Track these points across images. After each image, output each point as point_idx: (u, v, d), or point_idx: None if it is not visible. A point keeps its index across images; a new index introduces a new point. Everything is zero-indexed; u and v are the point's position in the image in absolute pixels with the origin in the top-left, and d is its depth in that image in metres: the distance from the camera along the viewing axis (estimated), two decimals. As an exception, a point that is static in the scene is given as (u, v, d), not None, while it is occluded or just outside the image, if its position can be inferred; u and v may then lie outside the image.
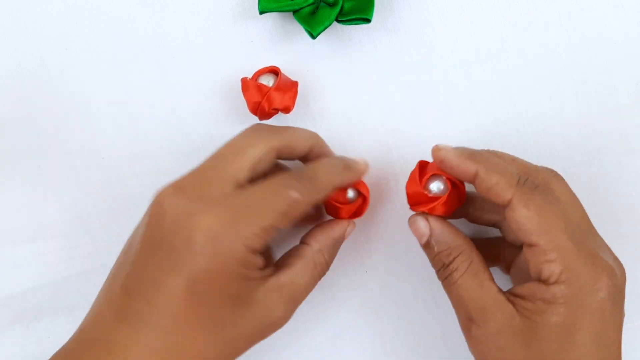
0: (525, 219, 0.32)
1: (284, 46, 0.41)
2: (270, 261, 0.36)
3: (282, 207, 0.32)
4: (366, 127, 0.41)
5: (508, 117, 0.41)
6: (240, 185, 0.32)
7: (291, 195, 0.32)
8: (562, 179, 0.35)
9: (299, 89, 0.40)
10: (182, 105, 0.41)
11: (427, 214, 0.36)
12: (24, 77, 0.41)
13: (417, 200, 0.36)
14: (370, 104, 0.41)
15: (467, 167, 0.34)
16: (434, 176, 0.36)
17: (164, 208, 0.32)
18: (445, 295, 0.35)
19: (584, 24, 0.41)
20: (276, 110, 0.39)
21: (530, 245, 0.32)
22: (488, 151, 0.36)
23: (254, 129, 0.35)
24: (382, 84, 0.41)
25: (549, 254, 0.32)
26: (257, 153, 0.33)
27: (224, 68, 0.41)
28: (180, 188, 0.33)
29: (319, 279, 0.36)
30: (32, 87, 0.41)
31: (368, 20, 0.39)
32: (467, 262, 0.34)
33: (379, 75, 0.41)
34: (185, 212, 0.31)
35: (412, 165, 0.37)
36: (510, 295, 0.34)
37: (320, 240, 0.36)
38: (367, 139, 0.41)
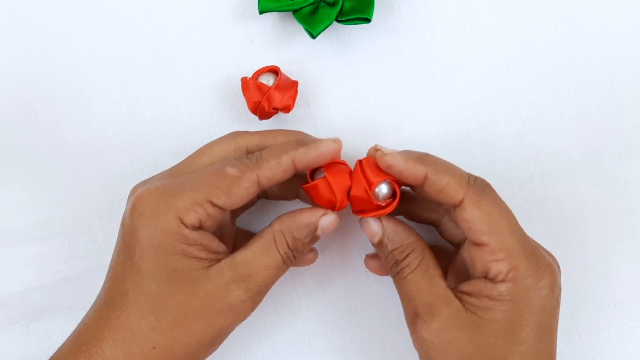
0: (476, 219, 0.32)
1: (284, 46, 0.41)
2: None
3: (216, 181, 0.32)
4: (366, 127, 0.41)
5: (508, 117, 0.41)
6: None
7: (227, 170, 0.33)
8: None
9: (299, 88, 0.40)
10: (182, 105, 0.41)
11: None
12: (24, 77, 0.41)
13: (363, 206, 0.35)
14: (370, 104, 0.41)
15: (416, 171, 0.33)
16: (382, 182, 0.35)
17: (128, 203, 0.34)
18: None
19: (584, 24, 0.41)
20: (276, 110, 0.39)
21: (479, 244, 0.33)
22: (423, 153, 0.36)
23: (228, 134, 0.37)
24: (382, 83, 0.41)
25: (498, 253, 0.32)
26: (223, 151, 0.35)
27: (224, 68, 0.41)
28: (146, 182, 0.35)
29: (284, 263, 0.35)
30: (32, 87, 0.41)
31: (368, 20, 0.39)
32: (419, 258, 0.34)
33: (379, 75, 0.41)
34: (131, 195, 0.34)
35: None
36: (456, 291, 0.34)
37: (282, 222, 0.35)
38: (367, 138, 0.41)
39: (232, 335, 0.42)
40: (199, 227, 0.33)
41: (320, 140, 0.35)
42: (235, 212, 0.39)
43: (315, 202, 0.36)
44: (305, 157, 0.34)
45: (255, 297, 0.34)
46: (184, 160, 0.36)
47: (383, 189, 0.34)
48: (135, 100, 0.41)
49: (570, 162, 0.41)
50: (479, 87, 0.41)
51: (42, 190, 0.41)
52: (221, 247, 0.34)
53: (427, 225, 0.39)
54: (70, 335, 0.34)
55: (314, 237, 0.35)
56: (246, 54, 0.41)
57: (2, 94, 0.41)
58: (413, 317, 0.34)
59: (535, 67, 0.41)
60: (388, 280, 0.41)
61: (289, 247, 0.34)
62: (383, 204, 0.35)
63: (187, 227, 0.32)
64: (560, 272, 0.34)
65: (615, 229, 0.41)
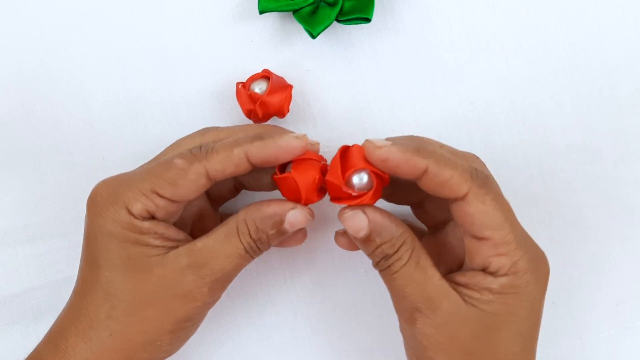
0: (481, 213, 0.31)
1: (284, 46, 0.41)
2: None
3: (163, 172, 0.32)
4: (366, 127, 0.41)
5: (508, 117, 0.41)
6: None
7: (175, 161, 0.32)
8: (483, 163, 0.35)
9: (299, 89, 0.40)
10: (182, 105, 0.41)
11: (363, 205, 0.33)
12: (24, 77, 0.41)
13: (338, 194, 0.33)
14: (370, 104, 0.41)
15: (415, 164, 0.31)
16: (360, 171, 0.33)
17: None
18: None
19: (584, 24, 0.41)
20: (270, 116, 0.39)
21: (481, 238, 0.32)
22: (411, 137, 0.35)
23: (198, 130, 0.36)
24: (382, 84, 0.41)
25: (501, 247, 0.32)
26: (190, 145, 0.35)
27: (224, 68, 0.41)
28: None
29: (247, 253, 0.33)
30: (32, 87, 0.41)
31: (368, 20, 0.39)
32: (410, 250, 0.32)
33: (379, 75, 0.41)
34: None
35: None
36: (450, 282, 0.33)
37: (248, 211, 0.33)
38: (367, 138, 0.41)
39: (233, 335, 0.42)
40: (151, 217, 0.33)
41: (280, 135, 0.33)
42: (217, 202, 0.38)
43: (284, 195, 0.35)
44: (260, 153, 0.32)
45: (214, 285, 0.33)
46: (156, 156, 0.36)
47: (363, 178, 0.33)
48: (135, 101, 0.41)
49: (570, 162, 0.41)
50: (479, 87, 0.41)
51: (42, 190, 0.41)
52: (180, 234, 0.34)
53: (403, 205, 0.38)
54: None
55: (281, 231, 0.34)
56: (246, 54, 0.41)
57: (2, 94, 0.41)
58: (412, 312, 0.32)
59: (536, 67, 0.41)
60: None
61: (251, 238, 0.33)
62: (356, 194, 0.33)
63: (135, 217, 0.32)
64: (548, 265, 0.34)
65: (615, 229, 0.41)
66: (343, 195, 0.33)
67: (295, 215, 0.33)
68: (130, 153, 0.41)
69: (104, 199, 0.33)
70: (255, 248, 0.34)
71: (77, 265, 0.42)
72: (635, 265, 0.41)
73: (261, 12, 0.39)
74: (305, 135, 0.34)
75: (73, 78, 0.41)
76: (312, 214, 0.34)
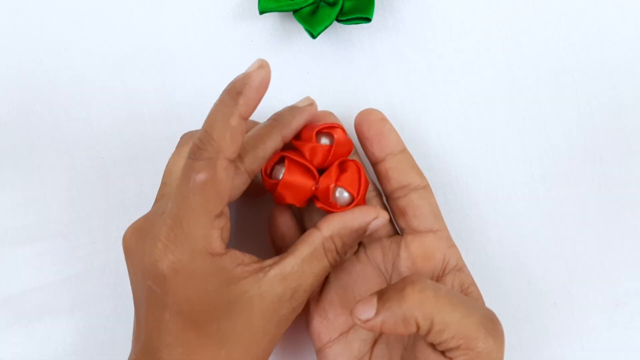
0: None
1: (284, 46, 0.41)
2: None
3: (201, 191, 0.30)
4: (366, 127, 0.41)
5: (509, 117, 0.41)
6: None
7: (199, 178, 0.30)
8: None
9: (299, 89, 0.40)
10: (182, 105, 0.41)
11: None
12: (24, 77, 0.41)
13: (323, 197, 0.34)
14: (370, 104, 0.41)
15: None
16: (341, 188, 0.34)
17: (128, 250, 0.32)
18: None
19: (584, 24, 0.41)
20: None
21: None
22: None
23: (178, 146, 0.36)
24: (382, 84, 0.41)
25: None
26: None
27: (224, 68, 0.41)
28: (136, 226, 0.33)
29: (331, 268, 0.33)
30: (32, 87, 0.41)
31: (368, 20, 0.39)
32: None
33: (379, 75, 0.41)
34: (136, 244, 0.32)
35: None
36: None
37: (332, 226, 0.33)
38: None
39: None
40: (225, 248, 0.31)
41: (247, 74, 0.31)
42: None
43: (287, 200, 0.35)
44: (251, 103, 0.31)
45: (303, 304, 0.33)
46: (158, 195, 0.35)
47: (344, 194, 0.34)
48: (135, 101, 0.41)
49: (571, 163, 0.41)
50: (479, 87, 0.41)
51: (42, 190, 0.41)
52: (245, 255, 0.32)
53: None
54: None
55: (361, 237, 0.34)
56: (246, 54, 0.41)
57: (2, 94, 0.41)
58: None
59: (536, 67, 0.41)
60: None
61: (337, 253, 0.33)
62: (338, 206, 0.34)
63: (219, 255, 0.30)
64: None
65: (616, 229, 0.41)
66: (325, 201, 0.34)
67: (377, 225, 0.33)
68: (130, 153, 0.41)
69: (179, 259, 0.30)
70: (339, 260, 0.33)
71: (76, 265, 0.42)
72: (635, 265, 0.41)
73: (261, 12, 0.39)
74: (263, 60, 0.31)
75: (73, 78, 0.41)
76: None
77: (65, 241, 0.41)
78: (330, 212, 0.34)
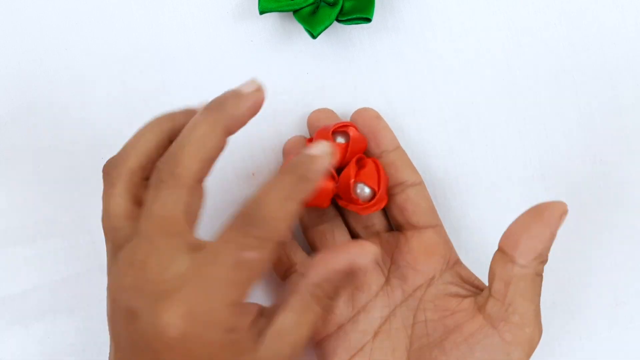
0: None
1: (284, 46, 0.41)
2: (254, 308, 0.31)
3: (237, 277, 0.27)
4: (366, 127, 0.41)
5: (509, 117, 0.41)
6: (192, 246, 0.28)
7: (247, 255, 0.27)
8: None
9: (299, 89, 0.40)
10: (181, 105, 0.41)
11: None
12: (24, 77, 0.41)
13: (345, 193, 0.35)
14: (370, 104, 0.41)
15: None
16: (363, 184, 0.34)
17: (125, 309, 0.28)
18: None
19: (584, 24, 0.41)
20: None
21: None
22: None
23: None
24: (382, 84, 0.41)
25: None
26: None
27: (224, 68, 0.41)
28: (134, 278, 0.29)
29: (326, 314, 0.31)
30: (32, 87, 0.41)
31: (368, 20, 0.39)
32: None
33: (379, 75, 0.41)
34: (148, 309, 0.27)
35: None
36: None
37: (318, 272, 0.30)
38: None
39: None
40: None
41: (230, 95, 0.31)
42: None
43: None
44: (306, 193, 0.29)
45: (302, 353, 0.31)
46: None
47: (365, 190, 0.34)
48: (135, 101, 0.41)
49: (571, 163, 0.41)
50: (479, 87, 0.41)
51: (42, 190, 0.41)
52: (255, 306, 0.30)
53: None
54: None
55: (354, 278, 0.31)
56: (246, 54, 0.41)
57: (2, 94, 0.41)
58: None
59: (536, 67, 0.41)
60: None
61: (329, 298, 0.30)
62: (361, 203, 0.34)
63: (232, 332, 0.28)
64: None
65: (616, 230, 0.41)
66: (347, 197, 0.35)
67: (365, 261, 0.29)
68: (130, 153, 0.41)
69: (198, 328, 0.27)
70: (333, 303, 0.31)
71: (76, 265, 0.42)
72: (635, 265, 0.41)
73: (261, 13, 0.39)
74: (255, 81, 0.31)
75: (73, 78, 0.41)
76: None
77: (64, 241, 0.41)
78: (353, 210, 0.35)
